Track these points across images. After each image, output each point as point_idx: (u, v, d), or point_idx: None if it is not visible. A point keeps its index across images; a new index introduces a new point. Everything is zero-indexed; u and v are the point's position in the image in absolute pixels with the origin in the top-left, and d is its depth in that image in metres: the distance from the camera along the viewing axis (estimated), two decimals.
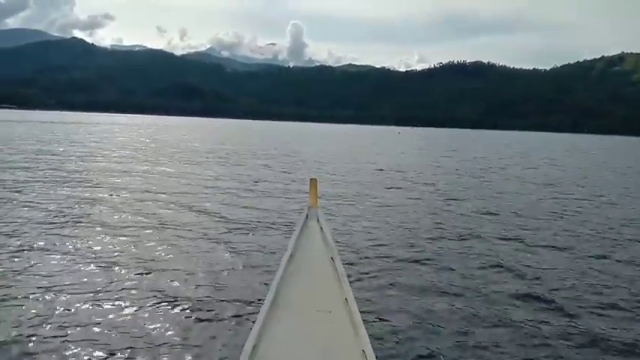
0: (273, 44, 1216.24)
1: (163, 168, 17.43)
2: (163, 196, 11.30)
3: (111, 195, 11.08)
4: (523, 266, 6.67)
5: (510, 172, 21.78)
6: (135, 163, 18.64)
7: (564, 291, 5.65)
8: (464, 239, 8.12)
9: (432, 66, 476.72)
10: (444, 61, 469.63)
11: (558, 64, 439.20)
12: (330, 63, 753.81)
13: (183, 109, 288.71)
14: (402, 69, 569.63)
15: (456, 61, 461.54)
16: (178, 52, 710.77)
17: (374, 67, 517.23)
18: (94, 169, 16.30)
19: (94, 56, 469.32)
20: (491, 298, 5.34)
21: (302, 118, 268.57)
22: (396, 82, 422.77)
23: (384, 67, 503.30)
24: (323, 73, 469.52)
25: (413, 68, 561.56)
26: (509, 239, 8.31)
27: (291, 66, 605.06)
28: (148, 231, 7.75)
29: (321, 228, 3.47)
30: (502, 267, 6.61)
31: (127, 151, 25.26)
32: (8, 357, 3.79)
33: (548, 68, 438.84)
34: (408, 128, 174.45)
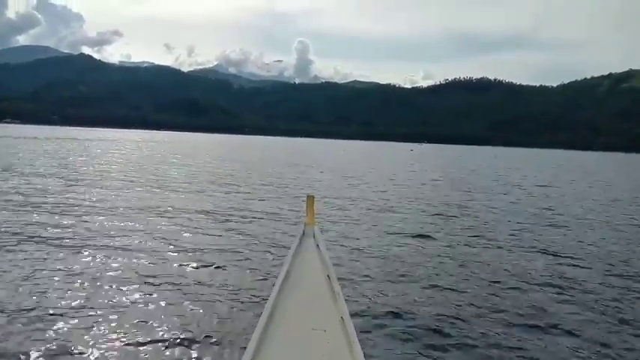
0: (280, 61, 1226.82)
1: (158, 184, 16.59)
2: (154, 211, 10.89)
3: (93, 220, 9.75)
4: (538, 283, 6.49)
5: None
6: (122, 181, 17.38)
7: None
8: (469, 261, 7.69)
9: (438, 82, 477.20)
10: (450, 78, 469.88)
11: (565, 81, 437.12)
12: (336, 80, 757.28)
13: (190, 125, 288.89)
14: (408, 85, 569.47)
15: (462, 78, 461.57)
16: (185, 69, 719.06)
17: (379, 83, 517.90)
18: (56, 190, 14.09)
19: (101, 72, 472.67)
20: (493, 319, 5.22)
21: (308, 134, 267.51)
22: (401, 98, 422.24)
23: (389, 84, 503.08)
24: (328, 90, 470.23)
25: (418, 85, 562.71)
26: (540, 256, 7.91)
27: (297, 82, 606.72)
28: (140, 247, 7.59)
29: (318, 245, 3.44)
30: (513, 287, 6.47)
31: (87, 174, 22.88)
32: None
33: (555, 85, 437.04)
34: (417, 144, 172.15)
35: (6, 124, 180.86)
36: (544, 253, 8.45)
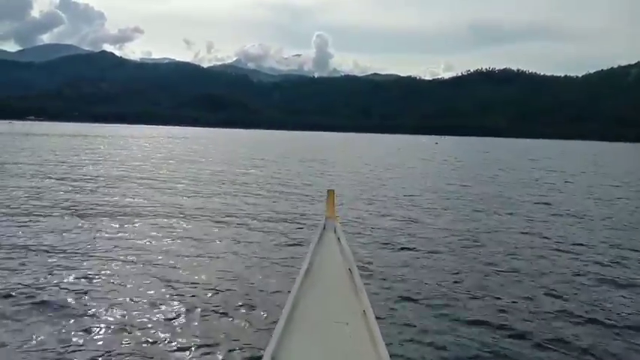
0: (299, 55, 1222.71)
1: (180, 179, 16.57)
2: (177, 206, 10.96)
3: (121, 208, 10.49)
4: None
5: None
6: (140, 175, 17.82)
7: None
8: (495, 257, 7.50)
9: (459, 74, 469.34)
10: (472, 69, 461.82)
11: (591, 71, 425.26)
12: (356, 73, 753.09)
13: (210, 120, 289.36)
14: (428, 77, 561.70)
15: (484, 68, 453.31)
16: (205, 65, 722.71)
17: (399, 75, 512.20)
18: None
19: (123, 69, 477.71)
20: (516, 318, 5.08)
21: (328, 128, 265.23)
22: (422, 90, 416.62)
23: (409, 76, 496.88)
24: (348, 83, 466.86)
25: (439, 76, 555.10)
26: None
27: (316, 76, 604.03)
28: (161, 239, 7.87)
29: (339, 239, 3.45)
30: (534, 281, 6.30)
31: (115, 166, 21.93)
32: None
33: (580, 75, 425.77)
34: (440, 137, 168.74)
35: (30, 122, 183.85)
36: None
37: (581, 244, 8.50)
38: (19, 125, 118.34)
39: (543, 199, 14.35)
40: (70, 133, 74.88)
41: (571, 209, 12.67)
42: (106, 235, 8.13)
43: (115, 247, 7.29)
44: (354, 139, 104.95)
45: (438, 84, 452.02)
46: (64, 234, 8.02)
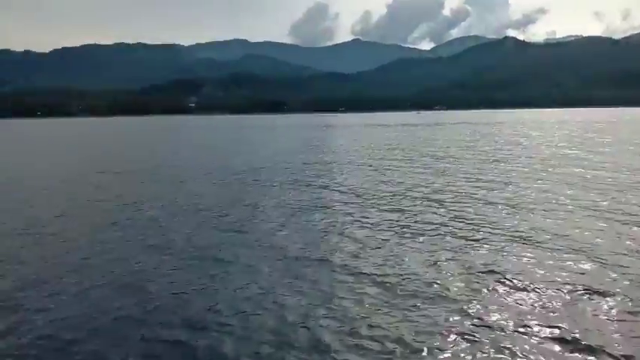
0: None
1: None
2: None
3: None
4: None
5: None
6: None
7: None
8: None
9: None
10: None
11: None
12: None
13: (621, 98, 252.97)
14: None
15: None
16: (618, 36, 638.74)
17: None
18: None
19: (524, 53, 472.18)
20: None
21: None
22: None
23: None
24: None
25: None
26: None
27: None
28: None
29: None
30: None
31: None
32: None
33: None
34: None
35: (437, 111, 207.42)
36: None
37: None
38: (427, 114, 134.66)
39: None
40: (473, 120, 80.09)
41: None
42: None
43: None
44: None
45: None
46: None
